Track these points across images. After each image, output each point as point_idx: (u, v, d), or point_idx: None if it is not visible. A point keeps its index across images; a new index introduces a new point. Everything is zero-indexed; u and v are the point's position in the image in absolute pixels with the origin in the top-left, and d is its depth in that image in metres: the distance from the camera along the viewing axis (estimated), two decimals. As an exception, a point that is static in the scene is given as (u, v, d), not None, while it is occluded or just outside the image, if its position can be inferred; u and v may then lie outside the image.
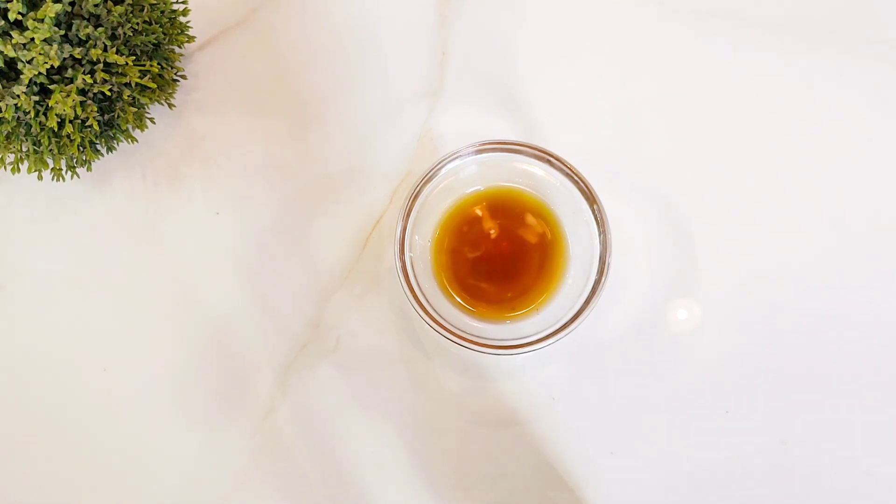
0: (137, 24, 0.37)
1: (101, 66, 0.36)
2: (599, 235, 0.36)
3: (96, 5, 0.35)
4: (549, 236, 0.40)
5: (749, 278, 0.41)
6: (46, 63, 0.33)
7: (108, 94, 0.37)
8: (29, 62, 0.33)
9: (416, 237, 0.38)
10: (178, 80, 0.42)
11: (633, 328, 0.41)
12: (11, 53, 0.33)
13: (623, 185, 0.42)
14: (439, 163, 0.37)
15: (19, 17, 0.32)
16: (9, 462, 0.40)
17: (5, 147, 0.37)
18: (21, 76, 0.34)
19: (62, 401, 0.40)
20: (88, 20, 0.35)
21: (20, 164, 0.39)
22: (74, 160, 0.39)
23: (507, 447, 0.39)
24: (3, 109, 0.34)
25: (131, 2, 0.37)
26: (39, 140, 0.37)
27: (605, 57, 0.44)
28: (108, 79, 0.36)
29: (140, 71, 0.38)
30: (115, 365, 0.41)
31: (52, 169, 0.40)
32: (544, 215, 0.40)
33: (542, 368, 0.40)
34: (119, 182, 0.43)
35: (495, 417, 0.40)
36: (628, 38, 0.44)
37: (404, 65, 0.44)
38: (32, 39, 0.33)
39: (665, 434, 0.39)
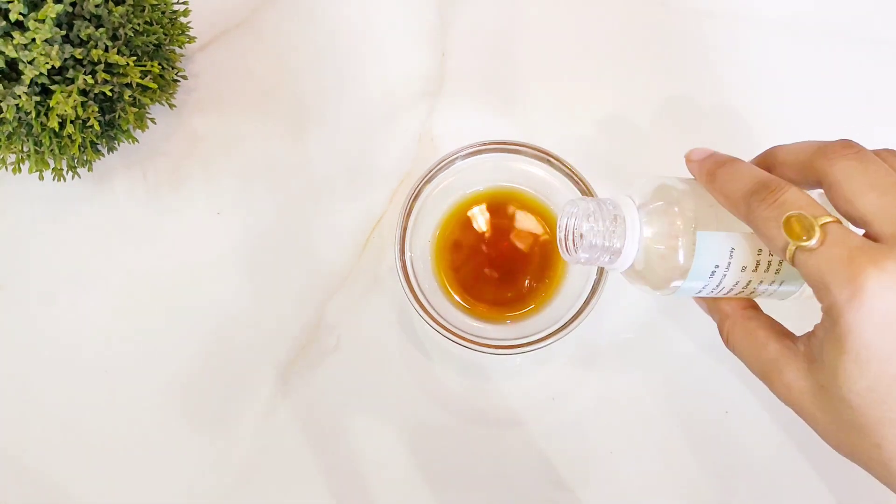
0: (138, 24, 0.37)
1: (102, 66, 0.36)
2: (599, 235, 0.36)
3: (97, 6, 0.35)
4: (549, 236, 0.40)
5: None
6: (48, 63, 0.33)
7: (109, 94, 0.37)
8: (30, 62, 0.33)
9: (417, 237, 0.38)
10: (178, 81, 0.42)
11: (632, 328, 0.41)
12: (13, 54, 0.33)
13: (623, 185, 0.42)
14: (439, 163, 0.37)
15: (20, 18, 0.32)
16: (9, 462, 0.40)
17: (6, 147, 0.37)
18: (22, 76, 0.34)
19: (63, 401, 0.40)
20: (89, 21, 0.35)
21: (21, 165, 0.39)
22: (75, 160, 0.39)
23: (507, 447, 0.39)
24: (5, 110, 0.34)
25: (132, 2, 0.37)
26: (40, 140, 0.37)
27: (605, 57, 0.44)
28: (109, 79, 0.36)
29: (141, 71, 0.38)
30: (116, 366, 0.41)
31: (53, 169, 0.40)
32: (544, 215, 0.40)
33: (542, 368, 0.40)
34: (120, 182, 0.43)
35: (495, 417, 0.40)
36: (628, 38, 0.44)
37: (404, 65, 0.44)
38: (34, 40, 0.33)
39: (665, 434, 0.39)
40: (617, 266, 0.29)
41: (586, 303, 0.35)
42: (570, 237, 0.30)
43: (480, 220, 0.40)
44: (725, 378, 0.40)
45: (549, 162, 0.37)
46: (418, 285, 0.36)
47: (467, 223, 0.40)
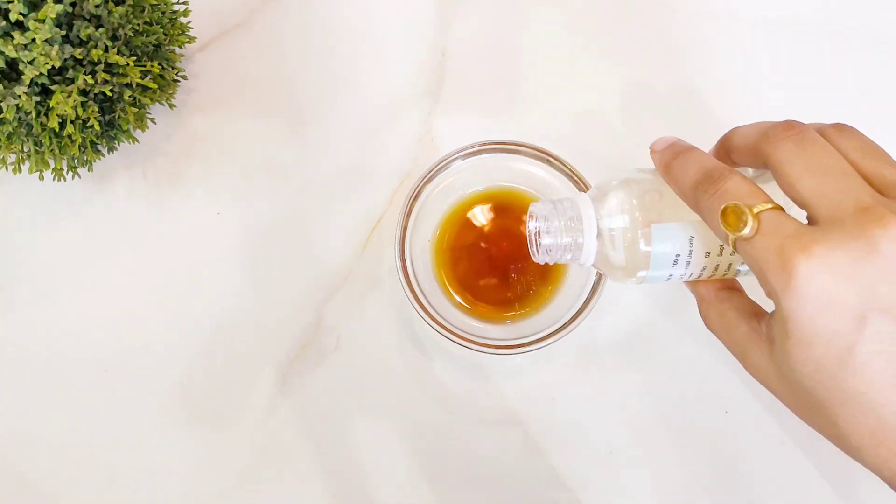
0: (138, 24, 0.37)
1: (102, 66, 0.36)
2: (599, 235, 0.36)
3: (97, 6, 0.35)
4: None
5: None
6: (48, 63, 0.33)
7: (109, 94, 0.37)
8: (30, 63, 0.33)
9: (417, 237, 0.38)
10: (178, 81, 0.42)
11: (632, 328, 0.41)
12: (13, 54, 0.33)
13: (623, 185, 0.42)
14: (439, 163, 0.37)
15: (20, 18, 0.32)
16: (10, 462, 0.40)
17: (7, 147, 0.37)
18: (22, 77, 0.34)
19: (63, 401, 0.40)
20: (89, 21, 0.35)
21: (21, 165, 0.39)
22: (75, 160, 0.39)
23: (507, 447, 0.39)
24: (5, 110, 0.34)
25: (132, 3, 0.37)
26: (41, 140, 0.37)
27: (606, 57, 0.44)
28: (109, 79, 0.36)
29: (141, 71, 0.38)
30: (116, 366, 0.41)
31: (53, 169, 0.40)
32: (544, 215, 0.40)
33: (542, 368, 0.40)
34: (120, 182, 0.43)
35: (495, 417, 0.40)
36: (628, 37, 0.44)
37: (404, 65, 0.44)
38: (34, 40, 0.33)
39: (665, 434, 0.39)
40: (582, 261, 0.30)
41: (586, 303, 0.35)
42: (536, 238, 0.31)
43: (480, 219, 0.40)
44: (725, 378, 0.40)
45: (548, 162, 0.37)
46: (418, 285, 0.36)
47: (467, 223, 0.40)
